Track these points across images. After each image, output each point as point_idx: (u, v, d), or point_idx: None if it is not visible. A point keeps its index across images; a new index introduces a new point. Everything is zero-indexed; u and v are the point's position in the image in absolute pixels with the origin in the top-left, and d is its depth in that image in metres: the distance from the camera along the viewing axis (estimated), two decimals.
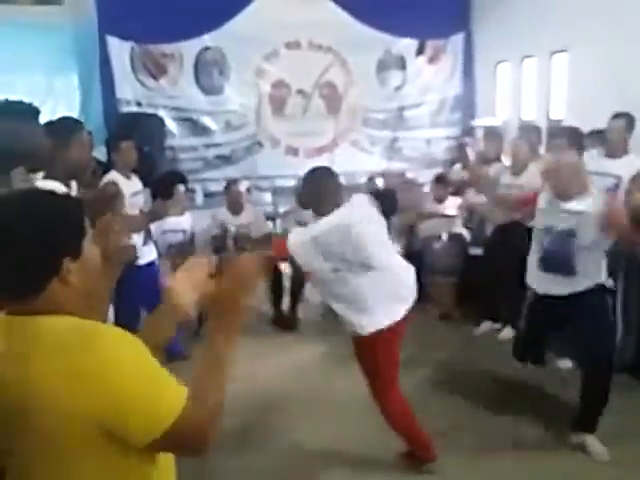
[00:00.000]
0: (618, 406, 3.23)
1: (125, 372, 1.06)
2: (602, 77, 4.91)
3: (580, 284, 3.06)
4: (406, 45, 6.72)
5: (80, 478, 1.10)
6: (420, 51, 6.79)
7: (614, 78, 4.76)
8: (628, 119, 4.01)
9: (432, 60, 6.84)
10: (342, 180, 5.34)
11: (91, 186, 4.07)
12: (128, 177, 4.07)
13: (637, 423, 3.39)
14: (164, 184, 4.20)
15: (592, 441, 3.12)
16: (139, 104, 5.95)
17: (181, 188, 4.00)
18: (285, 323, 5.07)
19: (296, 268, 4.58)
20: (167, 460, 1.25)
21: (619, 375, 3.75)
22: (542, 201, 3.25)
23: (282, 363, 4.39)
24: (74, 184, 2.96)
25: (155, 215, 3.86)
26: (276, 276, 5.09)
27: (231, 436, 3.21)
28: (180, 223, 4.78)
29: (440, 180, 5.60)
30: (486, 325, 4.89)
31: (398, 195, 5.74)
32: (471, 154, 5.78)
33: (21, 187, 2.17)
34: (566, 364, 4.19)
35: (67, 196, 1.29)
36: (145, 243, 4.01)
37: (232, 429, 3.29)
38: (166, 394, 1.10)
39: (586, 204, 2.99)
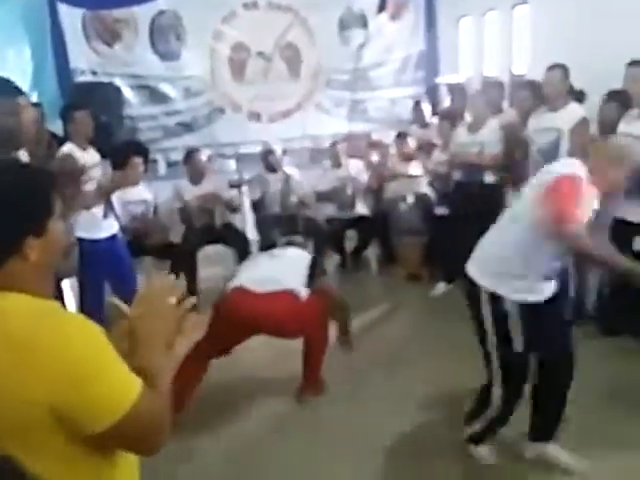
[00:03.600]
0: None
1: (80, 356, 1.03)
2: (563, 29, 4.86)
3: None
4: (367, 2, 6.57)
5: (34, 469, 1.06)
6: (382, 8, 6.65)
7: (575, 30, 4.72)
8: (562, 70, 3.97)
9: (394, 17, 6.70)
10: (308, 144, 5.46)
11: (47, 159, 3.99)
12: (84, 149, 3.96)
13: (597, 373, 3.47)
14: (121, 154, 4.10)
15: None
16: (94, 73, 5.77)
17: (137, 158, 3.90)
18: None
19: None
20: (129, 463, 1.22)
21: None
22: None
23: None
24: (22, 156, 2.88)
25: (113, 186, 3.78)
26: None
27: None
28: (141, 193, 4.70)
29: (402, 137, 5.58)
30: (441, 286, 4.94)
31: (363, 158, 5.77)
32: (427, 113, 5.75)
33: None
34: None
35: (39, 169, 1.24)
36: (105, 216, 3.94)
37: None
38: (122, 381, 1.08)
39: None
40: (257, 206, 5.41)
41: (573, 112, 3.95)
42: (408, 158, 5.50)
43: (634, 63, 3.67)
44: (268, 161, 5.34)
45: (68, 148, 3.88)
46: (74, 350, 1.03)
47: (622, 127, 3.81)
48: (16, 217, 1.09)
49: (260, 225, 5.35)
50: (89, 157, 3.95)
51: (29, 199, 1.11)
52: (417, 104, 5.88)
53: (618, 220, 3.80)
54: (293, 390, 3.39)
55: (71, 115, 3.97)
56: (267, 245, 4.94)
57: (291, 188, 5.33)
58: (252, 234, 5.31)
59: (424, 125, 5.72)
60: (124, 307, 1.32)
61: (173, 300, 1.28)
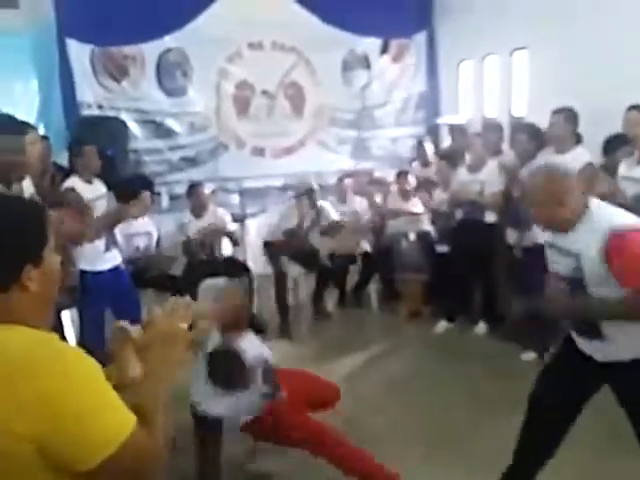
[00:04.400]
0: None
1: (73, 390, 1.02)
2: (561, 73, 5.00)
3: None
4: (370, 44, 6.75)
5: None
6: (384, 50, 6.82)
7: (573, 74, 4.85)
8: (569, 113, 4.03)
9: (396, 59, 6.87)
10: (312, 181, 5.51)
11: (51, 191, 4.03)
12: (90, 182, 4.01)
13: None
14: (128, 187, 4.14)
15: None
16: (100, 107, 5.85)
17: (145, 192, 3.94)
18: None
19: None
20: None
21: None
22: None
23: None
24: (27, 188, 2.91)
25: (117, 218, 3.81)
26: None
27: None
28: (144, 226, 4.72)
29: (402, 176, 5.65)
30: (442, 325, 4.94)
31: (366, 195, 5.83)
32: (430, 152, 5.84)
33: None
34: (529, 356, 4.28)
35: (31, 201, 1.26)
36: (107, 248, 3.95)
37: None
38: (114, 417, 1.06)
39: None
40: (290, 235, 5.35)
41: (580, 156, 3.96)
42: (408, 196, 5.56)
43: (633, 108, 3.75)
44: (311, 199, 5.34)
45: (72, 181, 3.93)
46: (70, 382, 1.02)
47: (622, 171, 3.88)
48: (14, 247, 1.10)
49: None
50: (94, 190, 4.00)
51: (25, 229, 1.13)
52: (420, 143, 5.98)
53: None
54: None
55: (80, 149, 4.04)
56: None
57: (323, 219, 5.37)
58: (255, 267, 5.30)
59: (426, 164, 5.81)
60: (132, 329, 1.32)
61: (185, 325, 1.28)
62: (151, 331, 1.28)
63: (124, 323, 1.39)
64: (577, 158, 3.97)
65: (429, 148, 5.86)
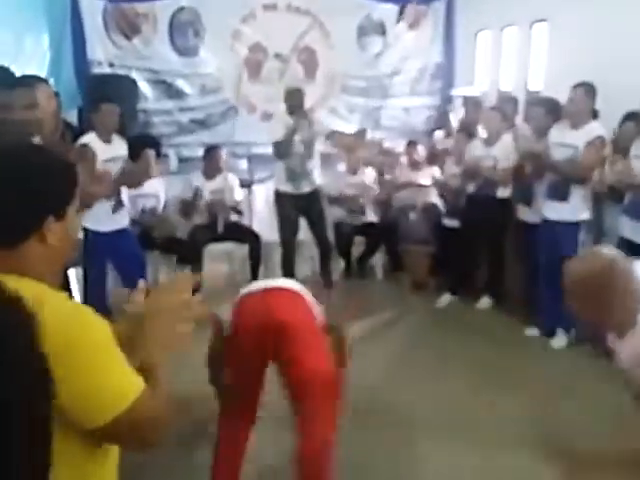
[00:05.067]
0: None
1: (87, 346, 1.03)
2: (581, 48, 4.88)
3: None
4: (387, 10, 6.59)
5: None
6: (401, 17, 6.67)
7: (593, 49, 4.72)
8: (589, 88, 3.97)
9: (413, 26, 6.71)
10: (320, 147, 5.44)
11: (61, 148, 3.99)
12: (108, 141, 3.95)
13: None
14: (133, 148, 4.11)
15: None
16: (111, 65, 5.77)
17: (150, 152, 3.92)
18: None
19: None
20: (113, 462, 1.21)
21: None
22: None
23: None
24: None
25: (124, 179, 3.79)
26: None
27: None
28: (153, 187, 4.71)
29: (411, 146, 5.59)
30: (446, 297, 4.95)
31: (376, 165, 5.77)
32: (454, 122, 5.76)
33: None
34: (533, 332, 4.30)
35: (65, 159, 1.26)
36: (115, 210, 3.94)
37: None
38: (124, 378, 1.08)
39: None
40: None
41: (594, 130, 3.95)
42: (417, 166, 5.51)
43: None
44: None
45: (89, 138, 3.88)
46: (85, 338, 1.03)
47: (634, 150, 3.82)
48: (42, 195, 1.11)
49: None
50: (111, 150, 3.95)
51: (56, 180, 1.15)
52: (445, 113, 5.90)
53: (624, 240, 3.80)
54: None
55: (97, 106, 3.98)
56: None
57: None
58: (262, 233, 5.26)
59: (449, 134, 5.74)
60: (136, 297, 1.32)
61: (187, 296, 1.28)
62: (153, 303, 1.28)
63: (125, 290, 1.39)
64: (589, 133, 3.95)
65: (454, 118, 5.79)
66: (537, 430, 3.12)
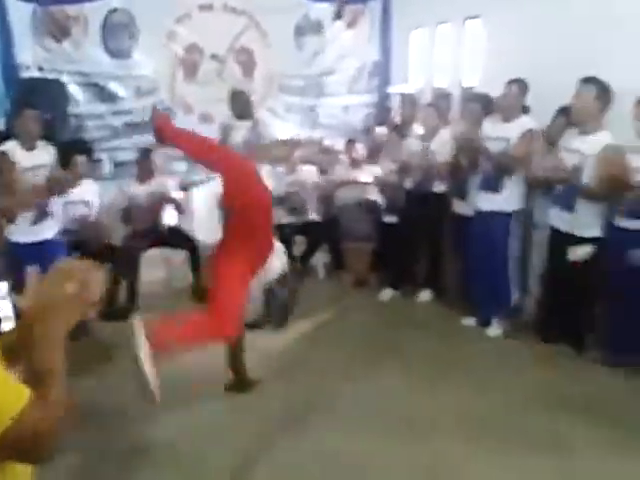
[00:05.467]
0: None
1: None
2: (514, 43, 4.96)
3: None
4: (324, 9, 6.59)
5: None
6: (338, 16, 6.68)
7: (526, 45, 4.81)
8: (522, 84, 4.12)
9: (350, 25, 6.73)
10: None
11: None
12: (31, 148, 3.82)
13: None
14: (64, 154, 3.99)
15: None
16: (41, 69, 5.59)
17: (81, 158, 3.80)
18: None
19: None
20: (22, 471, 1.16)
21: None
22: None
23: None
24: None
25: (52, 189, 3.68)
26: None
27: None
28: (83, 194, 4.56)
29: (350, 144, 5.62)
30: (387, 292, 4.99)
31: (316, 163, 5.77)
32: (397, 119, 5.80)
33: None
34: (469, 321, 4.37)
35: None
36: (35, 221, 3.80)
37: None
38: (6, 392, 1.02)
39: None
40: None
41: (524, 124, 4.08)
42: (357, 164, 5.53)
43: (584, 81, 3.73)
44: None
45: (9, 146, 3.74)
46: None
47: (562, 142, 3.93)
48: None
49: None
50: (34, 157, 3.81)
51: None
52: (387, 109, 5.94)
53: (554, 230, 3.90)
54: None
55: (19, 113, 3.85)
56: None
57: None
58: (202, 236, 5.20)
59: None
60: (19, 298, 1.26)
61: (70, 287, 1.19)
62: (34, 299, 1.22)
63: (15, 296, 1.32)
64: (521, 126, 4.06)
65: (396, 114, 5.84)
66: (473, 415, 3.17)
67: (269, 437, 3.02)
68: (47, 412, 1.07)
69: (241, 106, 4.73)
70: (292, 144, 5.19)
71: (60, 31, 5.67)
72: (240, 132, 4.69)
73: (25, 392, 1.04)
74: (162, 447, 2.95)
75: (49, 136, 4.54)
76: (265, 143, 4.93)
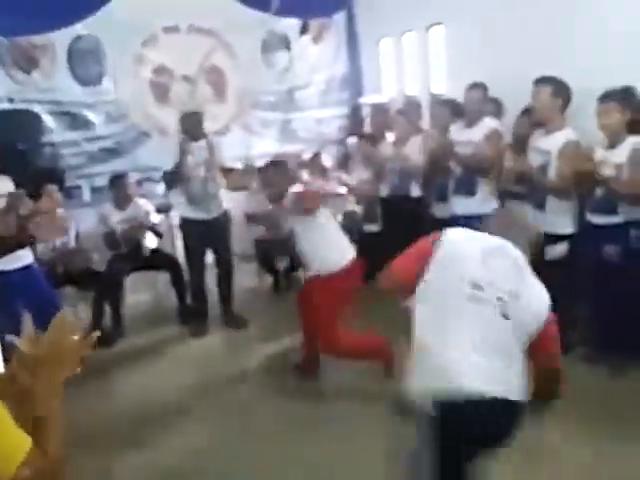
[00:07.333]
0: None
1: None
2: (477, 48, 5.06)
3: None
4: (289, 24, 6.66)
5: None
6: (304, 30, 6.76)
7: (489, 49, 4.91)
8: (482, 88, 4.28)
9: (316, 39, 6.81)
10: (238, 166, 5.39)
11: None
12: None
13: None
14: (33, 183, 3.98)
15: None
16: (11, 100, 5.57)
17: (51, 187, 3.79)
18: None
19: None
20: None
21: None
22: None
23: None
24: None
25: (13, 205, 3.66)
26: None
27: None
28: None
29: (317, 157, 5.69)
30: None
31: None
32: (368, 129, 5.87)
33: None
34: None
35: None
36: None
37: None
38: (9, 443, 1.03)
39: None
40: None
41: (487, 125, 4.23)
42: (322, 175, 5.56)
43: (539, 80, 3.84)
44: None
45: None
46: None
47: (531, 142, 4.02)
48: None
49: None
50: None
51: None
52: (360, 120, 6.18)
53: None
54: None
55: None
56: None
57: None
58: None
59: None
60: (22, 345, 1.27)
61: (75, 340, 1.24)
62: (38, 349, 1.24)
63: (14, 339, 1.33)
64: (484, 127, 4.19)
65: (366, 124, 5.92)
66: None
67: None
68: (47, 456, 1.09)
69: (195, 127, 4.74)
70: (252, 171, 5.15)
71: (28, 62, 5.66)
72: (200, 152, 4.71)
73: (26, 440, 1.05)
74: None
75: (23, 166, 4.56)
76: (230, 167, 4.92)
